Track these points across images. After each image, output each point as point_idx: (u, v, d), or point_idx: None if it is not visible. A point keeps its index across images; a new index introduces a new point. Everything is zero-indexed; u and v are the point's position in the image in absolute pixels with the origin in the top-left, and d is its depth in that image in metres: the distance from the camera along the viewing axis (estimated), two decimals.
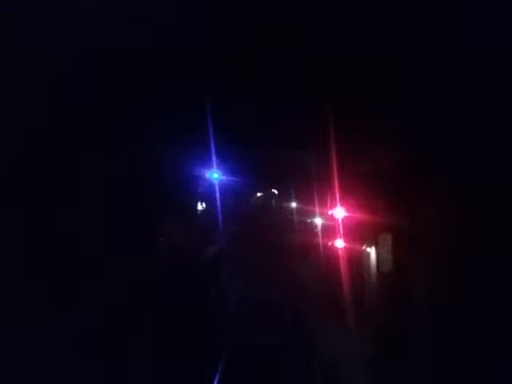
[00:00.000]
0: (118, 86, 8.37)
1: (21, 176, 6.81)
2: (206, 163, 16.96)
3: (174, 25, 7.20)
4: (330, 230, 18.71)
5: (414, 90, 8.01)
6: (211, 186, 20.30)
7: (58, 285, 7.46)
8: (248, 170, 24.71)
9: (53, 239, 7.45)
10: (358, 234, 14.66)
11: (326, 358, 12.13)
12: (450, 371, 8.19)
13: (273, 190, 40.83)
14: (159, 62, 8.18)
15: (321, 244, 21.10)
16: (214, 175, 18.66)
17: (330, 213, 17.21)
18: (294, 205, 31.18)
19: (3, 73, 6.25)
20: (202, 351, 12.03)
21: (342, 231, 15.73)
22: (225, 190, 23.27)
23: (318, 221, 21.68)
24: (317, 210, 21.15)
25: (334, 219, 16.01)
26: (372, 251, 13.63)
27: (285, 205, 35.87)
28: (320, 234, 21.62)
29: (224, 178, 20.99)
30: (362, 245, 14.44)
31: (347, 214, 14.57)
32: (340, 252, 16.15)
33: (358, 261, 14.94)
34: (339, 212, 14.70)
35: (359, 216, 13.80)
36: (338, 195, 14.34)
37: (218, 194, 20.93)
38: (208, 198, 22.17)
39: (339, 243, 15.95)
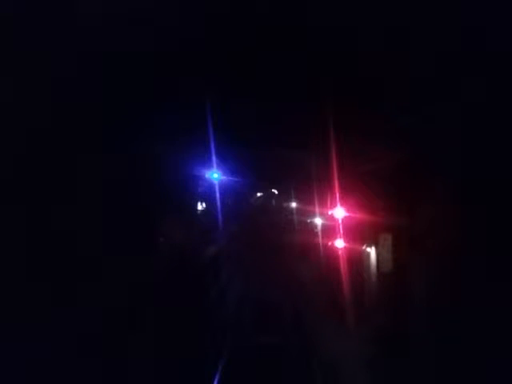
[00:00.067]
0: (118, 86, 8.37)
1: (21, 176, 6.81)
2: (206, 163, 16.96)
3: (173, 25, 7.20)
4: (329, 230, 18.71)
5: (413, 90, 8.01)
6: (211, 186, 20.30)
7: (58, 285, 7.46)
8: (248, 170, 24.72)
9: (53, 239, 7.45)
10: (358, 234, 14.66)
11: (326, 358, 12.13)
12: (449, 371, 8.19)
13: (273, 190, 40.83)
14: (159, 62, 8.18)
15: (321, 244, 21.10)
16: (214, 175, 18.66)
17: (330, 213, 17.21)
18: (294, 205, 31.18)
19: (3, 73, 6.24)
20: (201, 351, 12.03)
21: (342, 231, 15.73)
22: (225, 190, 23.28)
23: (318, 221, 21.68)
24: (317, 210, 21.14)
25: (334, 219, 16.01)
26: (372, 251, 13.63)
27: (285, 205, 35.87)
28: (320, 234, 21.62)
29: (224, 178, 20.99)
30: (362, 245, 14.44)
31: (347, 214, 14.57)
32: (340, 252, 16.15)
33: (357, 261, 14.94)
34: (339, 212, 14.70)
35: (359, 216, 13.80)
36: (337, 195, 14.34)
37: (218, 194, 20.94)
38: (208, 198, 22.17)
39: (339, 243, 15.95)
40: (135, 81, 8.43)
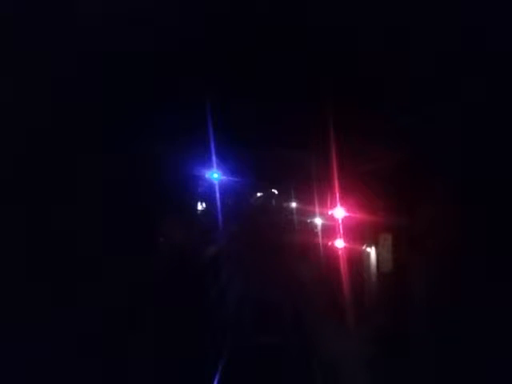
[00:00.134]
0: (118, 86, 8.36)
1: (21, 176, 6.81)
2: (206, 163, 16.95)
3: (174, 25, 7.20)
4: (330, 230, 18.71)
5: (414, 90, 8.00)
6: (211, 186, 20.30)
7: (58, 285, 7.46)
8: (248, 170, 24.72)
9: (53, 239, 7.45)
10: (358, 234, 14.66)
11: (326, 358, 12.13)
12: (449, 371, 8.19)
13: (273, 190, 40.84)
14: (159, 61, 8.18)
15: (321, 244, 21.10)
16: (214, 175, 18.65)
17: (330, 213, 17.21)
18: (294, 205, 31.18)
19: (3, 73, 6.24)
20: (201, 351, 12.03)
21: (342, 231, 15.73)
22: (225, 190, 23.28)
23: (318, 221, 21.68)
24: (317, 210, 21.14)
25: (334, 219, 16.01)
26: (372, 251, 13.63)
27: (285, 205, 35.88)
28: (320, 234, 21.62)
29: (224, 177, 20.99)
30: (362, 245, 14.44)
31: (347, 214, 14.57)
32: (340, 252, 16.15)
33: (358, 261, 14.94)
34: (339, 212, 14.70)
35: (359, 216, 13.80)
36: (337, 195, 14.34)
37: (218, 194, 20.94)
38: (208, 198, 22.17)
39: (339, 243, 15.95)
40: (135, 81, 8.42)
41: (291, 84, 9.45)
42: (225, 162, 18.54)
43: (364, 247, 14.34)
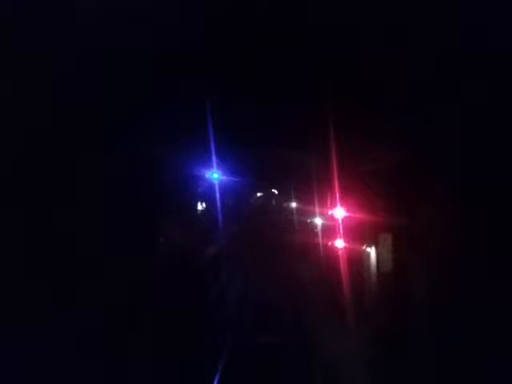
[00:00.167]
0: (118, 86, 8.36)
1: (21, 176, 6.81)
2: (206, 163, 16.95)
3: (174, 25, 7.20)
4: (330, 230, 18.71)
5: (414, 89, 8.00)
6: (211, 186, 20.30)
7: (58, 285, 7.46)
8: (248, 170, 24.71)
9: (53, 239, 7.45)
10: (358, 234, 14.66)
11: (326, 358, 12.13)
12: (449, 371, 8.19)
13: (273, 190, 40.84)
14: (159, 61, 8.18)
15: (321, 244, 21.10)
16: (214, 175, 18.65)
17: (330, 213, 17.21)
18: (294, 205, 31.18)
19: (3, 73, 6.24)
20: (201, 351, 12.03)
21: (342, 231, 15.73)
22: (225, 190, 23.27)
23: (318, 221, 21.68)
24: (317, 209, 21.15)
25: (334, 219, 16.01)
26: (372, 251, 13.63)
27: (285, 205, 35.88)
28: (320, 234, 21.62)
29: (224, 177, 20.98)
30: (362, 245, 14.44)
31: (347, 214, 14.57)
32: (340, 252, 16.15)
33: (358, 261, 14.94)
34: (339, 212, 14.70)
35: (359, 216, 13.80)
36: (338, 195, 14.34)
37: (218, 194, 20.93)
38: (208, 198, 22.17)
39: (339, 243, 15.95)
40: (135, 81, 8.42)
41: (291, 84, 9.45)
42: (225, 161, 18.54)
43: (364, 247, 14.34)
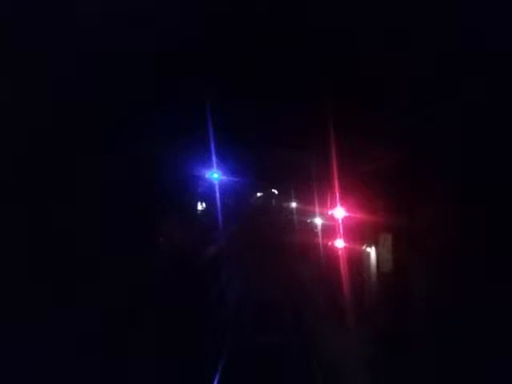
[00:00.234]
0: (118, 86, 8.36)
1: (21, 176, 6.81)
2: (206, 163, 16.95)
3: (174, 25, 7.20)
4: (330, 230, 18.71)
5: (414, 89, 8.00)
6: (211, 186, 20.30)
7: (58, 285, 7.46)
8: (248, 170, 24.70)
9: (53, 239, 7.45)
10: (358, 233, 14.66)
11: (326, 358, 12.13)
12: (449, 371, 8.19)
13: (273, 190, 40.84)
14: (159, 61, 8.18)
15: (321, 244, 21.10)
16: (214, 175, 18.65)
17: (330, 213, 17.21)
18: (294, 205, 31.18)
19: (3, 73, 6.24)
20: (201, 351, 12.03)
21: (342, 231, 15.73)
22: (225, 190, 23.27)
23: (318, 221, 21.68)
24: (317, 209, 21.15)
25: (334, 219, 16.01)
26: (372, 251, 13.64)
27: (285, 205, 35.88)
28: (320, 233, 21.63)
29: (224, 177, 20.98)
30: (362, 245, 14.44)
31: (347, 214, 14.57)
32: (340, 252, 16.15)
33: (358, 261, 14.94)
34: (339, 212, 14.70)
35: (359, 216, 13.80)
36: (338, 195, 14.34)
37: (218, 194, 20.93)
38: (208, 198, 22.17)
39: (339, 243, 15.95)
40: (135, 81, 8.42)
41: (291, 84, 9.45)
42: (225, 162, 18.54)
43: (364, 247, 14.34)
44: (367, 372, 10.79)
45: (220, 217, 22.42)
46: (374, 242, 13.35)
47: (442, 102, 7.79)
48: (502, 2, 5.85)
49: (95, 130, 8.67)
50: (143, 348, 10.34)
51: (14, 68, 6.37)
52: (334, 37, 7.34)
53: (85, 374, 7.76)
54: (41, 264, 7.12)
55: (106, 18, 6.51)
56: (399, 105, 8.67)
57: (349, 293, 15.02)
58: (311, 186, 20.20)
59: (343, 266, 15.78)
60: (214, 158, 15.94)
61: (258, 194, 43.08)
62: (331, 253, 18.16)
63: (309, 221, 25.17)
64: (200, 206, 22.74)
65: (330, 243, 18.61)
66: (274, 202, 41.53)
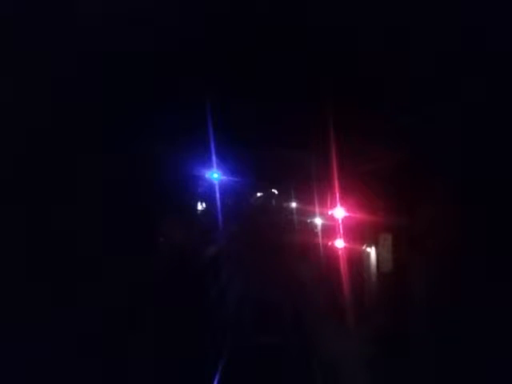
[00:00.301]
0: (118, 86, 8.36)
1: (21, 176, 6.81)
2: (206, 163, 16.96)
3: (174, 25, 7.20)
4: (330, 230, 18.71)
5: (414, 89, 8.00)
6: (211, 186, 20.31)
7: (58, 285, 7.46)
8: (248, 170, 24.71)
9: (53, 239, 7.45)
10: (358, 233, 14.66)
11: (326, 358, 12.13)
12: (449, 371, 8.19)
13: (273, 190, 40.85)
14: (159, 61, 8.18)
15: (321, 244, 21.10)
16: (214, 175, 18.66)
17: (330, 213, 17.21)
18: (294, 205, 31.18)
19: (3, 73, 6.24)
20: (201, 351, 12.03)
21: (342, 231, 15.73)
22: (225, 190, 23.28)
23: (318, 221, 21.68)
24: (317, 209, 21.15)
25: (334, 219, 16.01)
26: (372, 251, 13.63)
27: (285, 205, 35.88)
28: (320, 233, 21.63)
29: (224, 177, 20.99)
30: (362, 245, 14.44)
31: (347, 214, 14.57)
32: (340, 252, 16.15)
33: (358, 261, 14.94)
34: (339, 212, 14.70)
35: (359, 216, 13.80)
36: (338, 195, 14.34)
37: (218, 194, 20.94)
38: (208, 198, 22.17)
39: (339, 243, 15.95)
40: (135, 81, 8.42)
41: (291, 84, 9.45)
42: (225, 162, 18.54)
43: (364, 247, 14.34)
44: (367, 372, 10.79)
45: (220, 217, 22.43)
46: (373, 241, 13.35)
47: (441, 102, 7.79)
48: (502, 1, 5.85)
49: (95, 130, 8.67)
50: (143, 348, 10.34)
51: (14, 68, 6.37)
52: (334, 37, 7.34)
53: (85, 374, 7.76)
54: (41, 264, 7.12)
55: (106, 18, 6.51)
56: (399, 105, 8.67)
57: (349, 293, 15.02)
58: (311, 186, 20.20)
59: (343, 265, 15.78)
60: (213, 158, 15.95)
61: (258, 194, 43.10)
62: (331, 253, 18.16)
63: (309, 221, 25.18)
64: (200, 206, 22.75)
65: (330, 243, 18.61)
66: (273, 201, 41.54)
